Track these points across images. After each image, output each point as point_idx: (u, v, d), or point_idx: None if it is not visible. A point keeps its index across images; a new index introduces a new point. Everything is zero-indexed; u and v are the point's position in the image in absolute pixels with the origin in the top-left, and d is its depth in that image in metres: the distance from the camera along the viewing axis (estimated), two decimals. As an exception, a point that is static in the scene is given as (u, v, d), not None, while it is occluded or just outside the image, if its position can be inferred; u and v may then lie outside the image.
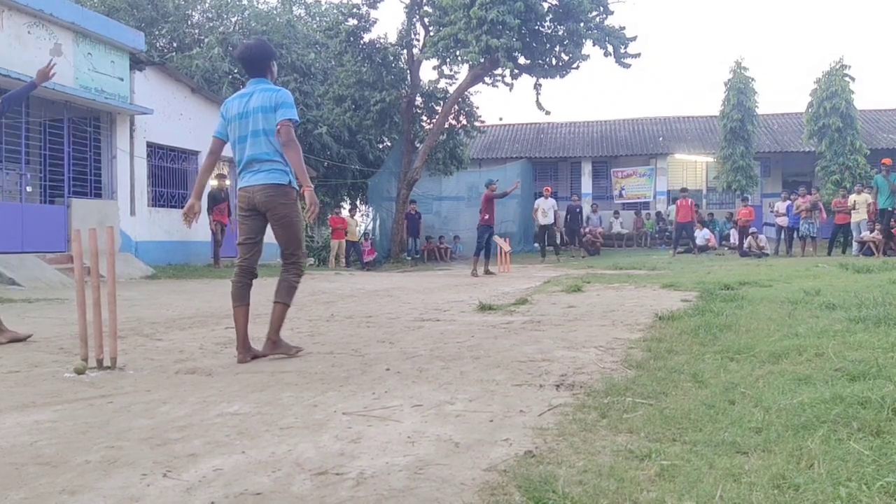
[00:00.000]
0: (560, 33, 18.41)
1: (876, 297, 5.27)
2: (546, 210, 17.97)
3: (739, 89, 22.58)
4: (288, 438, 2.41)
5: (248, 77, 4.16)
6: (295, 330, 5.35)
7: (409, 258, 21.33)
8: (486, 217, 13.20)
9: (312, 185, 4.03)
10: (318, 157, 22.31)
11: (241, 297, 4.05)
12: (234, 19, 24.63)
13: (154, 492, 1.93)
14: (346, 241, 19.76)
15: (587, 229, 22.14)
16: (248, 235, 4.09)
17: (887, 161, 15.51)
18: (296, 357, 4.08)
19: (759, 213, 21.60)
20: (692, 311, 5.30)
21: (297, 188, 4.04)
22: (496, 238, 13.43)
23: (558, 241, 19.31)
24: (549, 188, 19.77)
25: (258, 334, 4.82)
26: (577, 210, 22.20)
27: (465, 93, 20.68)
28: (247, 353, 3.98)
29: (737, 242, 19.21)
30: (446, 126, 21.00)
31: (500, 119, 22.50)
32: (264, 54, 4.13)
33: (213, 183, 15.68)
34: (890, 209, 15.23)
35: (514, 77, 19.31)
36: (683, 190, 19.81)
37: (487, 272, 13.16)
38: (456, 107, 20.93)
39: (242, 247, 4.12)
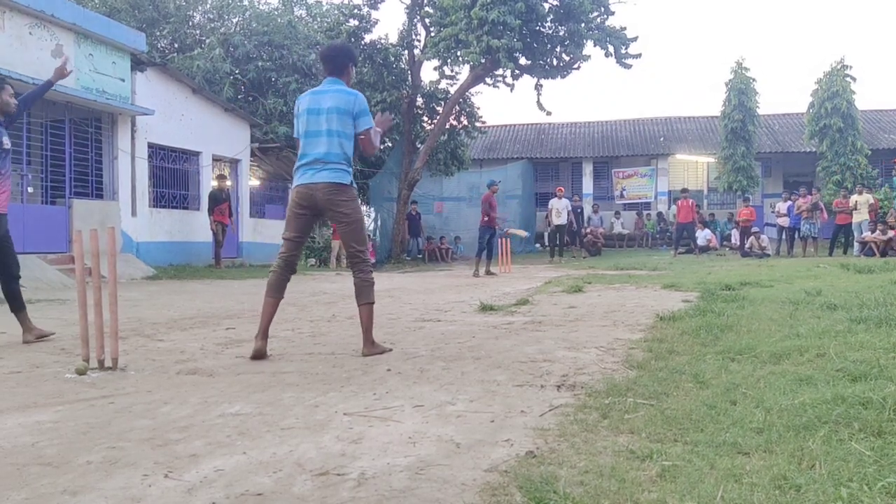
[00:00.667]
0: (561, 34, 18.41)
1: (877, 297, 5.27)
2: (560, 210, 17.99)
3: (740, 90, 22.57)
4: (289, 439, 2.41)
5: (326, 75, 4.23)
6: (296, 330, 5.35)
7: (409, 258, 21.32)
8: (486, 218, 13.23)
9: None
10: (319, 158, 22.29)
11: (278, 290, 4.10)
12: (235, 20, 24.63)
13: (155, 492, 1.93)
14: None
15: (588, 230, 22.13)
16: (296, 233, 4.14)
17: None
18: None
19: (759, 214, 21.60)
20: (693, 312, 5.30)
21: (356, 188, 4.18)
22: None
23: (564, 242, 19.33)
24: (561, 188, 19.78)
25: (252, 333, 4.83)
26: (579, 210, 22.19)
27: (466, 93, 20.69)
28: (264, 341, 4.02)
29: (738, 243, 19.21)
30: (447, 126, 21.01)
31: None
32: (346, 55, 4.25)
33: (213, 184, 15.70)
34: None
35: (515, 77, 19.32)
36: (684, 190, 19.83)
37: (489, 273, 13.17)
38: (457, 107, 20.93)
39: (289, 242, 4.14)
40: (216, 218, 14.64)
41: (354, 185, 4.13)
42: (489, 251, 13.41)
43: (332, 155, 4.01)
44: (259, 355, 3.97)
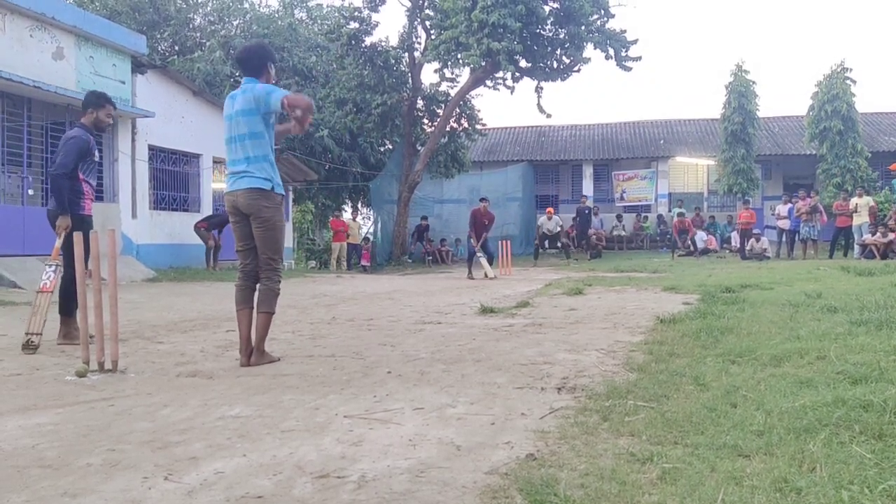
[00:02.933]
0: (561, 36, 18.45)
1: (878, 300, 5.26)
2: (550, 229, 18.21)
3: (740, 92, 22.57)
4: (289, 441, 2.41)
5: (243, 76, 4.10)
6: (296, 333, 5.35)
7: (411, 261, 21.31)
8: (472, 235, 13.55)
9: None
10: (320, 160, 22.35)
11: (245, 301, 4.04)
12: (235, 23, 24.69)
13: (155, 495, 1.93)
14: (348, 243, 19.77)
15: (591, 232, 22.13)
16: (244, 241, 4.07)
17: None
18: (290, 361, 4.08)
19: (759, 216, 21.60)
20: (693, 314, 5.30)
21: (282, 194, 4.08)
22: (483, 263, 13.42)
23: (569, 245, 19.45)
24: (551, 209, 19.82)
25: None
26: (586, 211, 22.19)
27: (467, 96, 20.72)
28: (249, 356, 3.96)
29: (738, 245, 19.22)
30: (447, 129, 21.04)
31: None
32: (260, 55, 4.09)
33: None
34: None
35: (515, 80, 19.35)
36: (681, 214, 20.60)
37: (487, 276, 13.19)
38: (457, 110, 20.96)
39: (241, 253, 4.11)
40: (202, 225, 14.50)
41: (278, 191, 4.02)
42: (488, 255, 13.50)
43: (242, 159, 3.94)
44: (246, 366, 3.91)
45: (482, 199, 14.20)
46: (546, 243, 18.87)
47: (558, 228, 18.45)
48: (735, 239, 20.29)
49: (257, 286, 4.05)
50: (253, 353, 3.96)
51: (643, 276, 11.38)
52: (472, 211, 14.17)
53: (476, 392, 3.12)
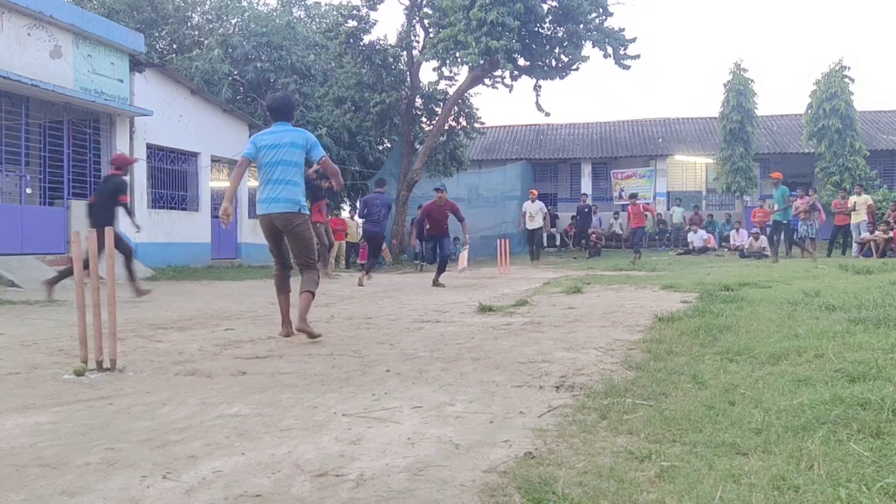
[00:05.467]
0: (559, 35, 18.44)
1: (875, 298, 5.28)
2: (534, 213, 17.35)
3: (739, 91, 22.59)
4: (288, 440, 2.41)
5: (274, 120, 5.03)
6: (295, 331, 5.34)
7: (417, 261, 21.27)
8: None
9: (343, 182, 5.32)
10: (318, 159, 22.32)
11: (284, 286, 5.04)
12: (233, 21, 24.61)
13: (154, 493, 1.93)
14: (347, 242, 19.75)
15: (590, 230, 22.11)
16: (277, 248, 5.06)
17: (777, 175, 15.34)
18: (296, 357, 4.09)
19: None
20: (692, 313, 5.30)
21: (308, 212, 5.05)
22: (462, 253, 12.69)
23: (544, 244, 18.84)
24: (534, 191, 19.02)
25: (258, 335, 4.83)
26: (587, 210, 22.12)
27: (465, 94, 20.69)
28: (289, 327, 4.90)
29: (744, 244, 19.12)
30: (446, 127, 21.01)
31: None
32: (292, 105, 5.23)
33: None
34: (785, 222, 15.00)
35: (513, 78, 19.33)
36: (632, 196, 19.80)
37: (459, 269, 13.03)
38: (456, 108, 20.94)
39: (275, 253, 5.07)
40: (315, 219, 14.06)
41: (304, 211, 4.93)
42: (442, 259, 10.90)
43: (288, 179, 4.88)
44: (287, 335, 4.88)
45: (437, 189, 10.99)
46: (533, 240, 18.24)
47: (542, 215, 17.54)
48: (734, 237, 20.26)
49: (301, 277, 4.92)
50: (297, 321, 4.73)
51: (641, 275, 11.39)
52: (423, 207, 11.31)
53: (474, 390, 3.12)
